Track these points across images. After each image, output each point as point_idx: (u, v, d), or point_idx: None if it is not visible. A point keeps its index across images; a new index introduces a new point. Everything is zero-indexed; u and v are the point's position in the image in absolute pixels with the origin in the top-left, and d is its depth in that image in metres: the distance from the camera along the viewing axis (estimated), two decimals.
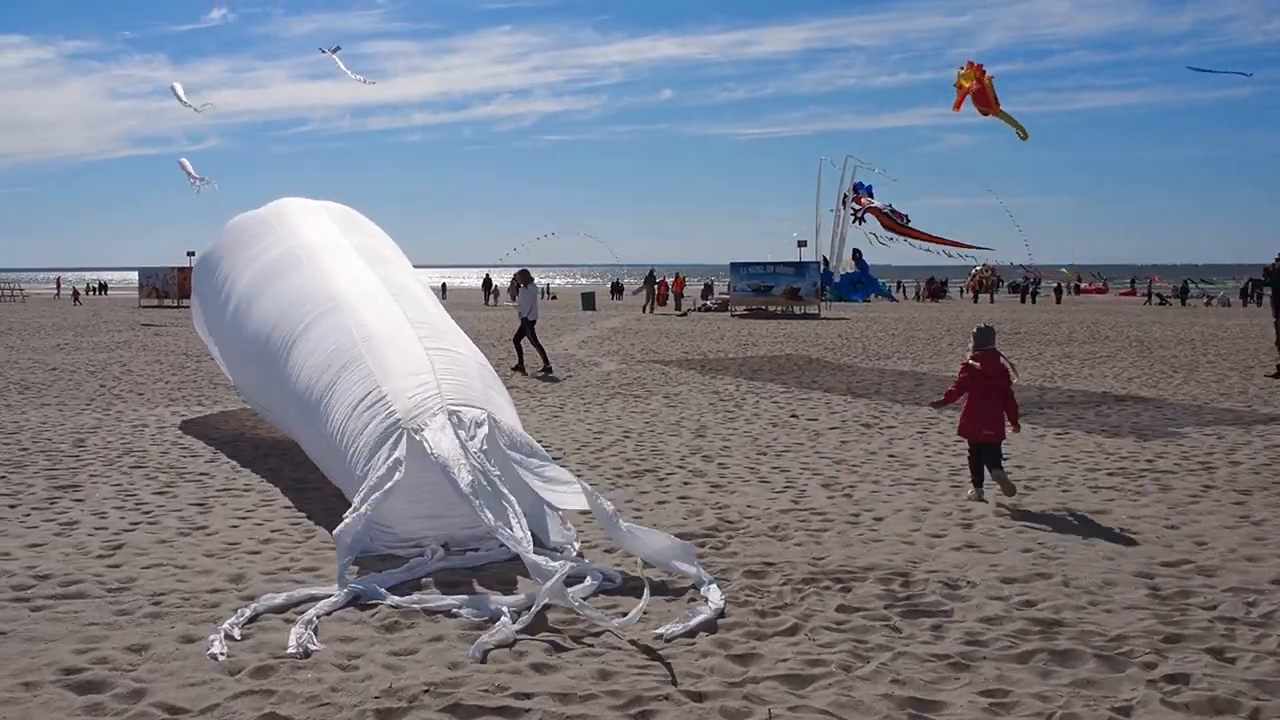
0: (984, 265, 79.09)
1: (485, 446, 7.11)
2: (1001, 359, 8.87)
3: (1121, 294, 79.31)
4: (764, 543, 7.43)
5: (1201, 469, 10.16)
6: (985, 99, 41.64)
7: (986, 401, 8.78)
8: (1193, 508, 8.57)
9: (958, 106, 43.67)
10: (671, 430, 12.63)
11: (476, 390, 7.85)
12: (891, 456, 10.90)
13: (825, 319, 40.35)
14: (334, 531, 6.70)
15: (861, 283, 63.61)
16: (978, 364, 8.79)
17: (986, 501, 8.71)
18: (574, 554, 6.89)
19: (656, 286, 51.18)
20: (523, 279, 21.40)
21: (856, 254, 65.05)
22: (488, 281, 62.10)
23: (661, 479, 9.70)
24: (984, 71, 41.33)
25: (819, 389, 16.95)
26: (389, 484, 6.82)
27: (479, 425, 7.28)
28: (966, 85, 41.66)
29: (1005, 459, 9.30)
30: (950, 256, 73.09)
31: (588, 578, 6.34)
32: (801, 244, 51.90)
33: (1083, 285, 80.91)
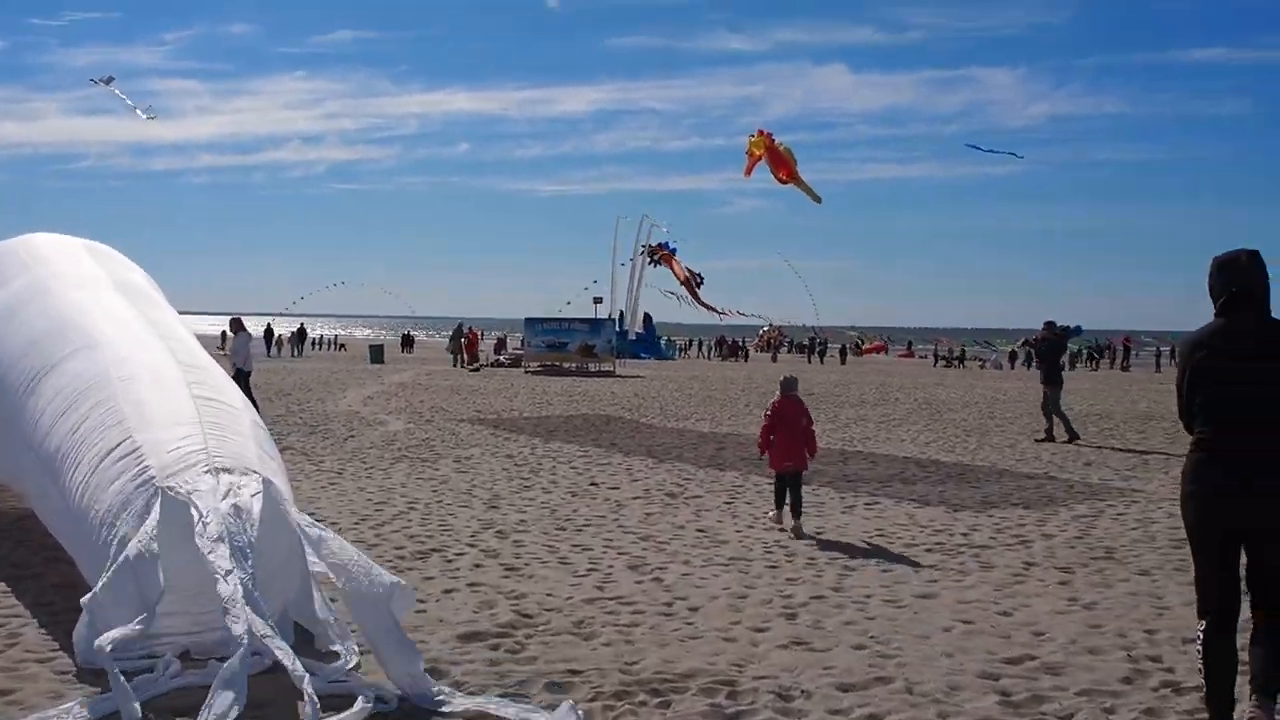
0: (771, 325, 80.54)
1: (256, 520, 5.84)
2: (800, 402, 10.68)
3: (900, 355, 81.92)
4: (568, 643, 6.45)
5: (1018, 543, 9.70)
6: (783, 165, 42.01)
7: (788, 438, 10.46)
8: (1019, 589, 8.02)
9: (748, 173, 44.11)
10: (462, 500, 11.55)
11: (250, 451, 6.58)
12: (701, 531, 10.09)
13: (620, 377, 39.81)
14: (74, 634, 5.37)
15: (646, 342, 63.94)
16: (775, 410, 10.59)
17: (783, 526, 10.23)
18: (352, 662, 5.77)
19: (465, 340, 49.93)
20: (234, 327, 20.28)
21: (647, 317, 65.36)
22: (269, 331, 59.43)
23: (450, 560, 8.62)
24: (773, 139, 41.87)
25: (618, 451, 16.14)
26: (136, 562, 5.46)
27: (250, 492, 6.00)
28: (757, 153, 42.11)
29: (803, 511, 10.40)
30: (741, 315, 74.12)
31: (359, 699, 5.23)
32: (597, 301, 51.62)
33: (864, 345, 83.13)
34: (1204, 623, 4.88)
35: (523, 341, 49.20)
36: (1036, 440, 18.32)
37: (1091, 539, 9.91)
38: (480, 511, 10.89)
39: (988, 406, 26.91)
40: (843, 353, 67.62)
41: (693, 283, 66.37)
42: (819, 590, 7.85)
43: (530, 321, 45.41)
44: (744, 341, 73.42)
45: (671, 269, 66.16)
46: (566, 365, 43.56)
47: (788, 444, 10.43)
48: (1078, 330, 19.75)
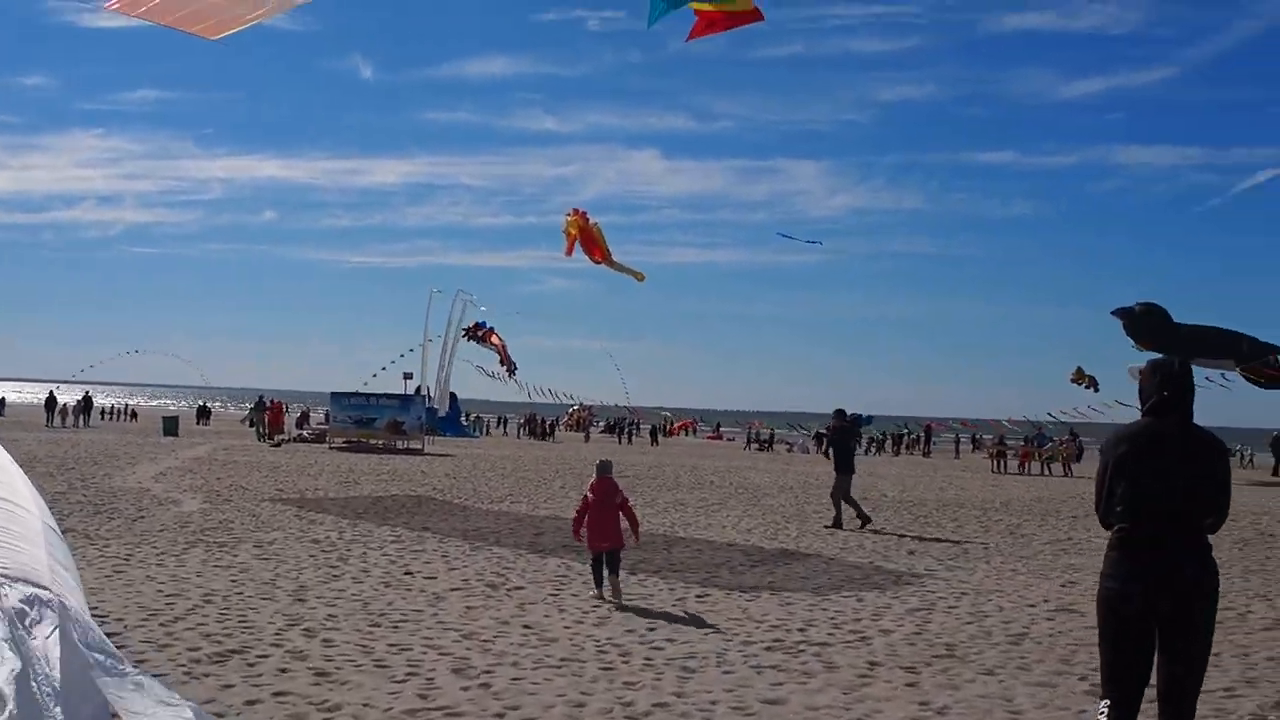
0: (580, 405, 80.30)
1: (52, 651, 4.85)
2: (614, 484, 11.11)
3: (709, 437, 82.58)
4: None
5: (857, 639, 9.33)
6: (595, 246, 41.84)
7: (602, 518, 10.87)
8: (868, 691, 7.61)
9: (569, 252, 43.79)
10: (264, 592, 10.56)
11: (41, 562, 5.56)
12: (528, 628, 9.39)
13: (429, 455, 38.66)
14: None
15: (452, 420, 62.80)
16: (590, 492, 11.05)
17: (604, 598, 10.69)
18: None
19: (267, 412, 47.90)
20: None
21: (452, 396, 64.37)
22: (51, 399, 55.84)
23: (252, 665, 7.71)
24: (588, 218, 41.72)
25: (433, 535, 15.28)
26: None
27: (44, 617, 5.00)
28: (574, 232, 41.84)
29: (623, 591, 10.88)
30: (554, 396, 73.61)
31: None
32: (407, 376, 50.33)
33: (672, 426, 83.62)
34: (1107, 701, 5.05)
35: (327, 416, 47.51)
36: (825, 528, 18.17)
37: (930, 634, 9.62)
38: (285, 605, 9.95)
39: (803, 491, 26.91)
40: (654, 433, 67.66)
41: (512, 366, 65.80)
42: (660, 697, 7.27)
43: (337, 396, 43.84)
44: (556, 421, 72.87)
45: (493, 344, 65.41)
46: (374, 442, 42.11)
47: (602, 525, 10.91)
48: (868, 420, 20.16)
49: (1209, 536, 5.06)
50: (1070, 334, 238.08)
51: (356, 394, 44.24)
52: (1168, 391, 5.11)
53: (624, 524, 11.07)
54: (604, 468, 11.31)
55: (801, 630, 9.67)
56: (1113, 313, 42.87)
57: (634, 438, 67.39)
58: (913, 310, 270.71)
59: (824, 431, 20.16)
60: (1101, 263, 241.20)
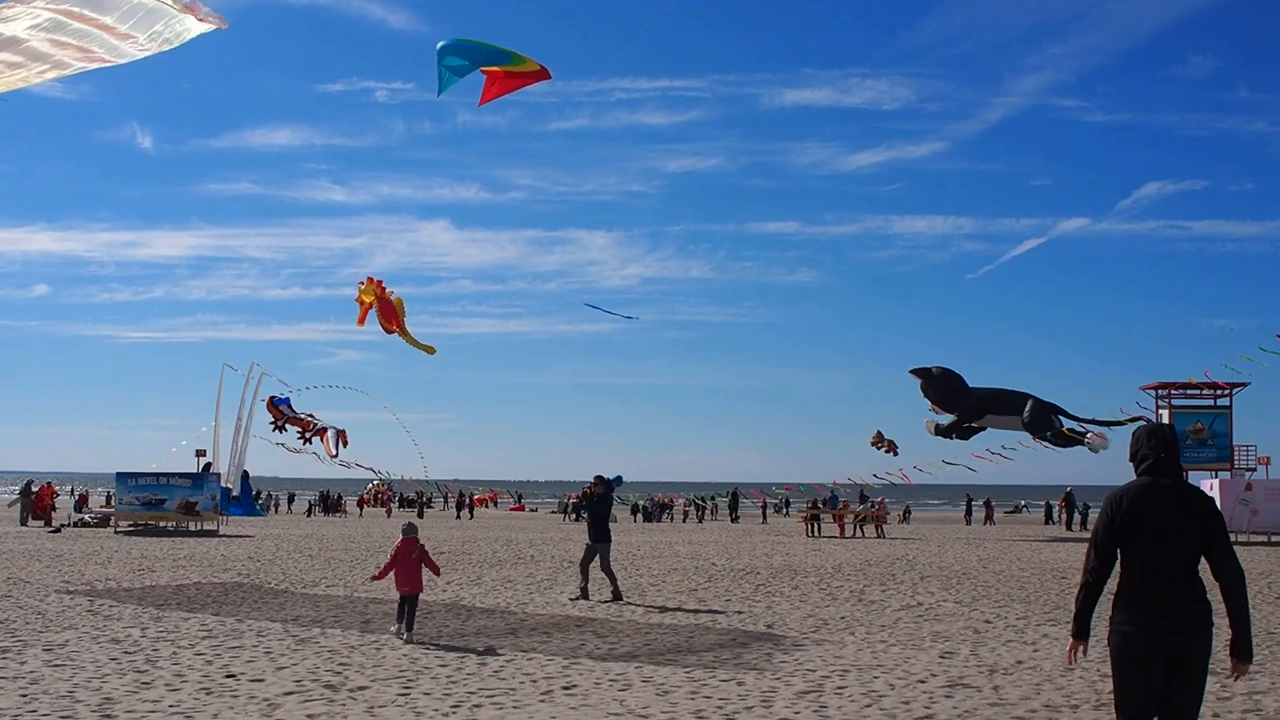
0: (380, 480, 77.60)
1: None
2: (416, 542, 13.31)
3: (512, 508, 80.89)
4: None
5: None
6: (392, 316, 40.26)
7: (408, 570, 13.07)
8: None
9: (361, 321, 42.03)
10: (62, 710, 8.84)
11: None
12: None
13: (226, 536, 36.05)
14: None
15: (239, 500, 59.38)
16: (397, 549, 13.19)
17: (402, 637, 12.59)
18: None
19: (33, 496, 44.04)
20: None
21: (244, 474, 61.05)
22: None
23: None
24: (384, 287, 40.19)
25: (249, 628, 13.58)
26: None
27: None
28: (368, 300, 40.19)
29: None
30: (355, 467, 70.60)
31: None
32: (200, 453, 47.24)
33: (473, 497, 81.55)
34: None
35: (108, 498, 44.14)
36: (571, 599, 17.29)
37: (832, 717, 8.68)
38: None
39: (629, 561, 25.91)
40: (460, 505, 65.56)
41: (313, 428, 62.85)
42: None
43: (123, 476, 40.57)
44: (340, 497, 70.03)
45: (297, 423, 62.45)
46: (165, 524, 39.13)
47: (407, 574, 13.06)
48: (618, 481, 19.39)
49: (1235, 576, 5.50)
50: (861, 396, 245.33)
51: (145, 474, 41.07)
52: (1164, 454, 5.60)
53: (425, 573, 13.42)
54: (409, 529, 13.56)
55: (668, 713, 8.59)
56: (910, 371, 43.74)
57: (433, 510, 65.19)
58: (711, 376, 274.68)
59: (579, 498, 19.35)
60: (884, 326, 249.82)
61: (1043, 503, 59.78)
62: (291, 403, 60.58)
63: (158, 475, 40.76)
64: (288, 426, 57.23)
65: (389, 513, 65.05)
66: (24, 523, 42.39)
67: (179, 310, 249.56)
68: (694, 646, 12.53)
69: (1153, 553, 5.49)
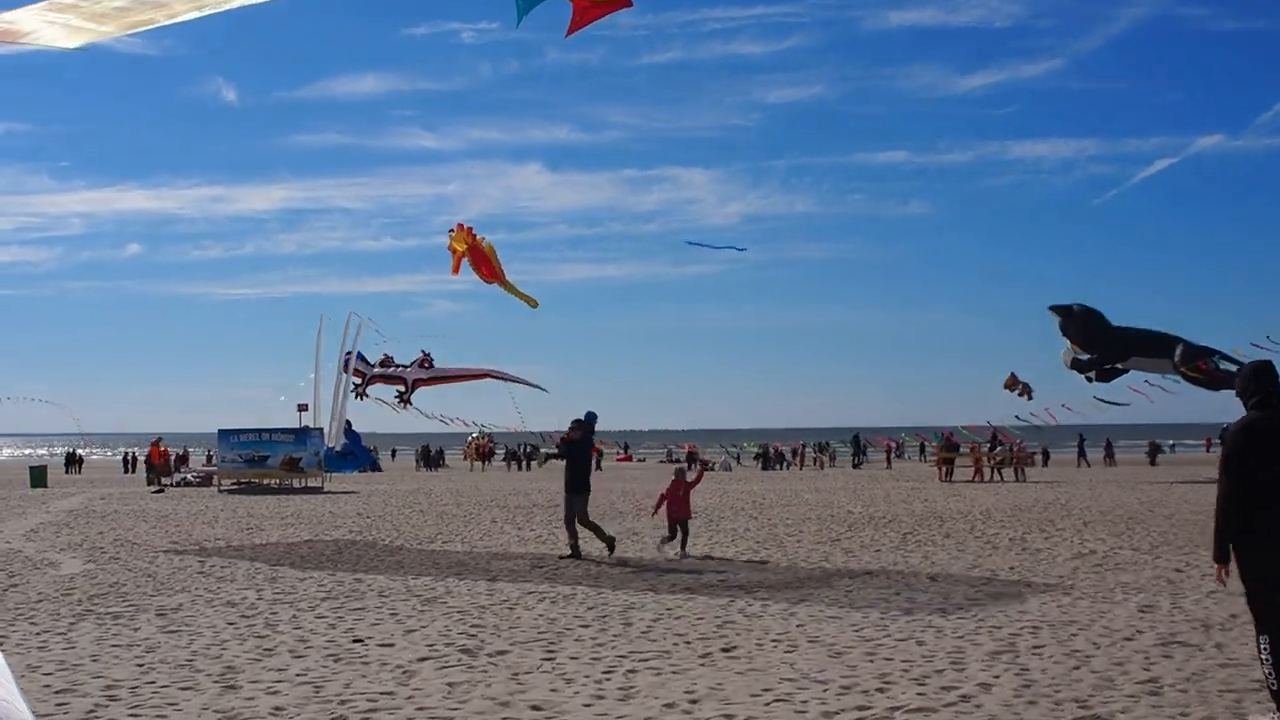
0: (481, 432, 77.83)
1: None
2: (684, 479, 17.04)
3: (619, 459, 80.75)
4: None
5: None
6: (484, 263, 39.90)
7: (676, 499, 16.65)
8: None
9: (455, 270, 41.75)
10: (182, 679, 8.43)
11: None
12: (537, 709, 7.45)
13: (331, 493, 36.23)
14: None
15: (353, 454, 59.92)
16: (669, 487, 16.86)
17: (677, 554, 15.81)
18: None
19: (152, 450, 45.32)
20: None
21: (347, 425, 61.55)
22: None
23: None
24: (474, 234, 39.74)
25: (369, 590, 13.18)
26: None
27: None
28: (460, 249, 39.83)
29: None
30: (449, 421, 71.08)
31: None
32: (302, 408, 47.67)
33: (617, 455, 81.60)
34: (1266, 638, 6.49)
35: (211, 456, 44.75)
36: (561, 558, 16.37)
37: (1041, 686, 7.88)
38: (213, 697, 7.86)
39: (758, 509, 25.29)
40: (598, 457, 65.44)
41: (401, 380, 63.25)
42: None
43: (225, 434, 41.07)
44: (442, 452, 70.63)
45: (385, 380, 63.00)
46: (268, 482, 39.54)
47: (679, 503, 16.76)
48: (592, 418, 17.98)
49: None
50: (983, 333, 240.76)
51: (247, 430, 41.50)
52: (1272, 388, 6.58)
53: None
54: (679, 473, 17.44)
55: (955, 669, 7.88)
56: (1050, 308, 42.27)
57: (533, 465, 65.43)
58: (817, 318, 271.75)
59: (560, 444, 17.94)
60: (1004, 258, 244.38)
61: (1189, 442, 57.79)
62: (365, 356, 60.87)
63: (260, 431, 41.14)
64: (367, 391, 57.72)
65: (484, 466, 64.89)
66: (152, 483, 44.02)
67: (271, 265, 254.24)
68: (855, 602, 11.80)
69: (1275, 476, 6.42)
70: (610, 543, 16.61)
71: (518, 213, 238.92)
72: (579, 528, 16.70)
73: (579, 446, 17.19)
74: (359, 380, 60.73)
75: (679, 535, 16.62)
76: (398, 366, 64.01)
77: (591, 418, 17.57)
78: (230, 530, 21.97)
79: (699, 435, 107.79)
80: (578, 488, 16.82)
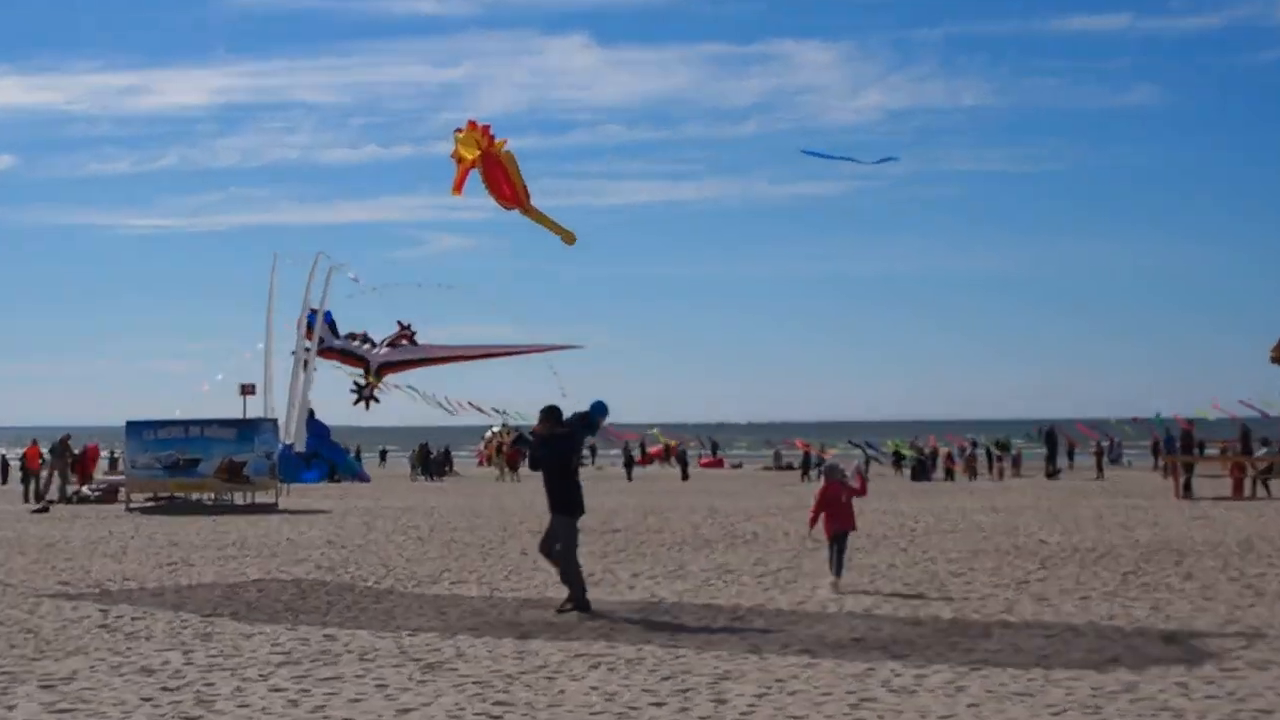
0: (505, 426, 78.38)
1: None
2: (843, 483, 18.73)
3: (704, 463, 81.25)
4: None
5: None
6: (504, 180, 39.95)
7: (836, 511, 18.34)
8: None
9: (458, 188, 41.75)
10: None
11: None
12: None
13: (291, 512, 36.72)
14: None
15: (320, 456, 60.56)
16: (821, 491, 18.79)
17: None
18: None
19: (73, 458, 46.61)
20: None
21: (310, 412, 62.26)
22: None
23: None
24: (492, 137, 39.78)
25: (347, 651, 13.33)
26: None
27: None
28: (470, 157, 39.87)
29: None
30: (457, 409, 71.72)
31: None
32: (247, 391, 48.30)
33: (653, 448, 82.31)
34: None
35: (113, 460, 45.55)
36: (559, 610, 16.17)
37: None
38: None
39: (907, 536, 25.30)
40: (630, 461, 66.09)
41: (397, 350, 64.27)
42: None
43: (136, 428, 41.58)
44: (448, 452, 71.45)
45: (344, 359, 63.93)
46: (199, 497, 40.14)
47: (838, 514, 18.28)
48: (600, 410, 17.67)
49: None
50: (1238, 284, 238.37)
51: (168, 423, 42.12)
52: None
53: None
54: (832, 471, 19.34)
55: None
56: None
57: (590, 470, 66.07)
58: (990, 256, 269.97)
59: (530, 438, 17.67)
60: (1272, 172, 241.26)
61: None
62: (335, 322, 61.61)
63: (187, 424, 41.74)
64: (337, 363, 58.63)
65: (508, 472, 65.20)
66: (64, 495, 45.24)
67: (203, 184, 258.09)
68: (1052, 673, 11.75)
69: None
70: (579, 602, 16.28)
71: (554, 107, 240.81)
72: (558, 561, 16.65)
73: (558, 447, 17.09)
74: (317, 353, 61.32)
75: (834, 554, 18.13)
76: (369, 345, 64.62)
77: (600, 410, 17.51)
78: (145, 566, 22.31)
79: (817, 430, 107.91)
80: (563, 504, 16.74)
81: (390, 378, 66.78)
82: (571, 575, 16.46)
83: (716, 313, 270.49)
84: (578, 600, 16.23)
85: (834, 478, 18.83)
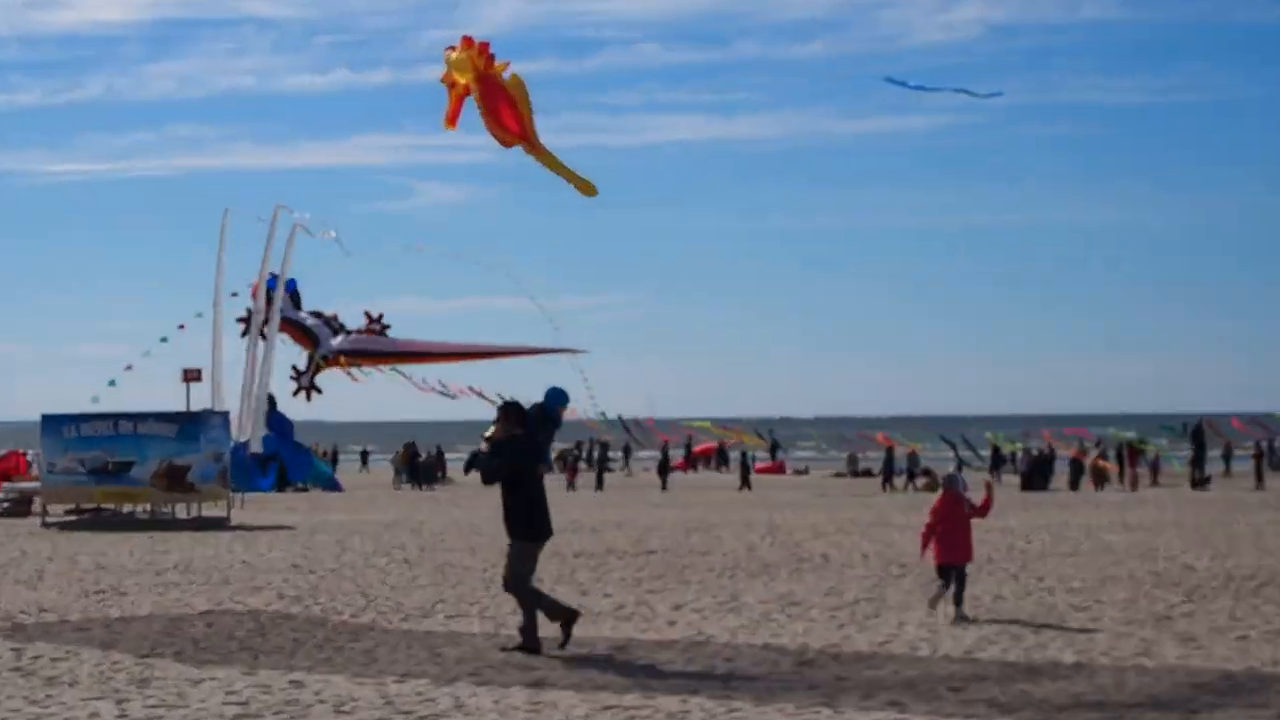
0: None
1: None
2: (961, 496, 18.95)
3: (762, 468, 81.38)
4: None
5: None
6: (508, 111, 39.97)
7: (953, 532, 18.54)
8: None
9: (452, 120, 41.75)
10: None
11: None
12: None
13: (247, 528, 36.91)
14: None
15: (279, 458, 60.68)
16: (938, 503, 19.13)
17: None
18: None
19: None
20: None
21: (271, 402, 62.45)
22: None
23: None
24: (492, 58, 39.76)
25: (320, 701, 13.40)
26: None
27: None
28: (463, 80, 39.87)
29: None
30: (456, 395, 72.11)
31: None
32: (191, 377, 48.45)
33: (696, 448, 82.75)
34: None
35: (35, 461, 45.84)
36: (506, 649, 16.33)
37: None
38: None
39: (1015, 557, 25.31)
40: (664, 466, 66.11)
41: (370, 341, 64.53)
42: None
43: (53, 423, 41.87)
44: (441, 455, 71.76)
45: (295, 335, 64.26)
46: (132, 509, 40.32)
47: (953, 538, 18.45)
48: (559, 398, 17.53)
49: None
50: None
51: (92, 417, 42.36)
52: None
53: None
54: (951, 480, 19.70)
55: None
56: None
57: (606, 472, 66.36)
58: (1122, 209, 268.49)
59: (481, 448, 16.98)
60: None
61: None
62: (298, 292, 61.86)
63: (116, 419, 41.95)
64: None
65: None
66: None
67: (133, 120, 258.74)
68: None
69: None
70: (528, 637, 16.22)
71: (571, 21, 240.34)
72: (527, 597, 16.51)
73: (519, 451, 16.85)
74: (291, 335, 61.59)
75: (950, 585, 18.38)
76: (340, 334, 64.76)
77: (557, 399, 17.46)
78: (67, 594, 22.43)
79: (900, 426, 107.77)
80: (521, 525, 16.63)
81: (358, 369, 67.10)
82: (528, 606, 16.39)
83: (776, 277, 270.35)
84: (526, 635, 16.14)
85: (954, 489, 19.06)
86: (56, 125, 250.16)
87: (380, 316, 66.79)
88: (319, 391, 66.38)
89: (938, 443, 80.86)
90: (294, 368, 65.38)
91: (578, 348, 69.48)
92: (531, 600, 16.53)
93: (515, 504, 16.69)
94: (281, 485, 59.52)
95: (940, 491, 19.49)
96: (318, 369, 65.63)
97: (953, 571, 18.26)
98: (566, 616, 16.42)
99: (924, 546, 18.91)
